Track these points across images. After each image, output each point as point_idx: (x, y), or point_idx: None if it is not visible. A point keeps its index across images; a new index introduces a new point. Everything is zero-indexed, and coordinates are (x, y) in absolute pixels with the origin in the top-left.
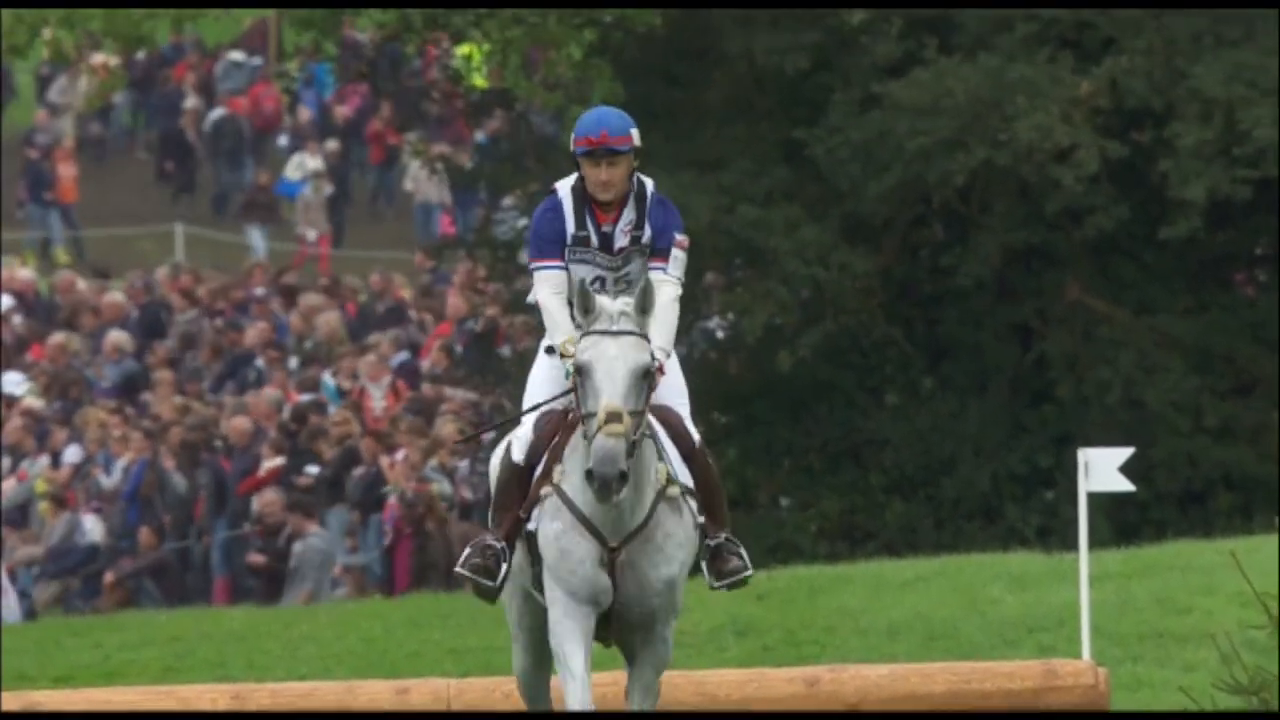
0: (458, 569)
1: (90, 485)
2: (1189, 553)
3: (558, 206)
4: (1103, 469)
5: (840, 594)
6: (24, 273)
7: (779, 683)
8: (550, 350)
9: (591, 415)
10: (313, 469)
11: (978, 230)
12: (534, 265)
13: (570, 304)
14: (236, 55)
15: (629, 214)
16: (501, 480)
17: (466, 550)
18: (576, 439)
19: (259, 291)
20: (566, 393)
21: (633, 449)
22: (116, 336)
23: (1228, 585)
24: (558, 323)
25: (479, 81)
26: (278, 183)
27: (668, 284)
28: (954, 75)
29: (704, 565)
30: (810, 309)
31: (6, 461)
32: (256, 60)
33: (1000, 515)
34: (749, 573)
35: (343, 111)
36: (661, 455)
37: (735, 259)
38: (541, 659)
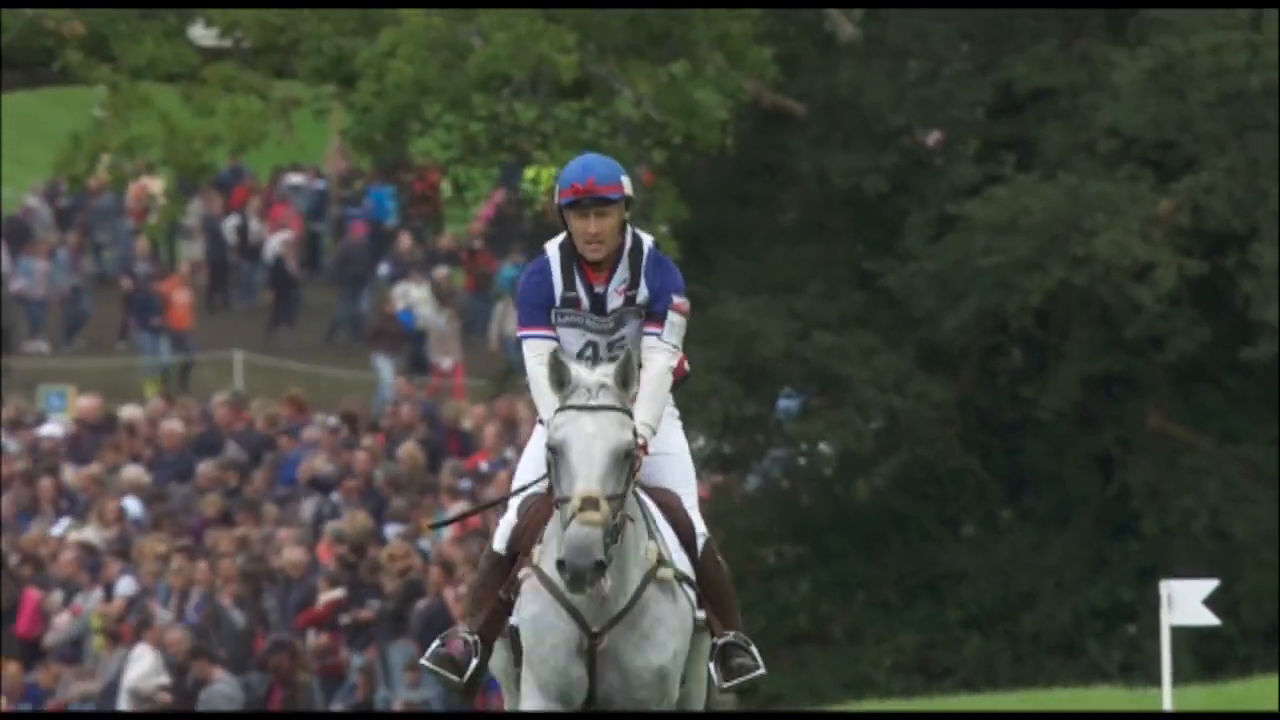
0: (423, 661)
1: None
2: (1276, 690)
3: (545, 267)
4: (1187, 602)
5: None
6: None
7: None
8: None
9: (566, 500)
10: (374, 601)
11: (1057, 358)
12: (520, 334)
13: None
14: (296, 179)
15: (623, 272)
16: (481, 570)
17: (435, 642)
18: (558, 516)
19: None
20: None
21: (613, 536)
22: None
23: None
24: (547, 396)
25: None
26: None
27: (660, 352)
28: (1032, 193)
29: (712, 666)
30: (885, 438)
31: (59, 596)
32: (320, 184)
33: (1082, 650)
34: (760, 672)
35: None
36: (653, 534)
37: (809, 386)
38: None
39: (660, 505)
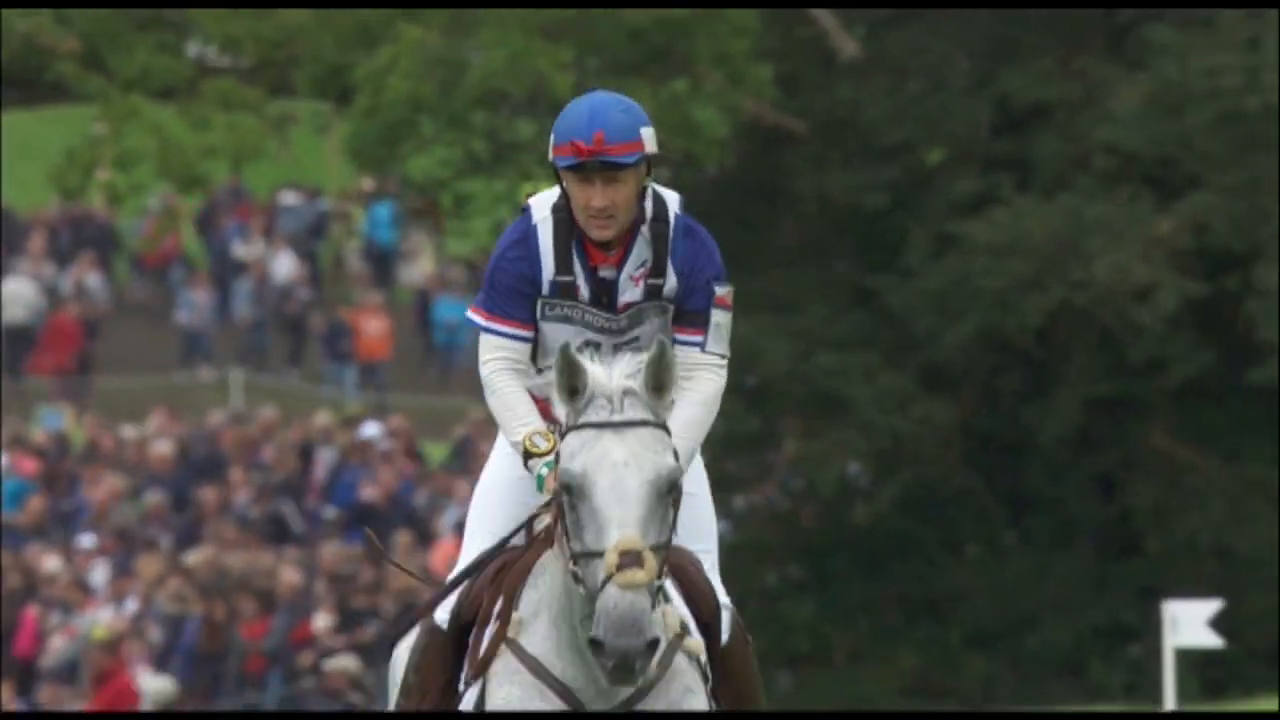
0: None
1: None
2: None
3: (529, 237)
4: (1190, 623)
5: None
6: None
7: None
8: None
9: (594, 555)
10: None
11: (1058, 381)
12: (478, 321)
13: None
14: (291, 198)
15: (640, 252)
16: (415, 652)
17: None
18: (543, 565)
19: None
20: (528, 522)
21: (656, 600)
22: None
23: None
24: (512, 408)
25: None
26: None
27: (706, 370)
28: (1032, 214)
29: None
30: (887, 460)
31: (57, 617)
32: (321, 205)
33: (1084, 671)
34: None
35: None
36: (667, 596)
37: (811, 407)
38: None
39: (672, 569)
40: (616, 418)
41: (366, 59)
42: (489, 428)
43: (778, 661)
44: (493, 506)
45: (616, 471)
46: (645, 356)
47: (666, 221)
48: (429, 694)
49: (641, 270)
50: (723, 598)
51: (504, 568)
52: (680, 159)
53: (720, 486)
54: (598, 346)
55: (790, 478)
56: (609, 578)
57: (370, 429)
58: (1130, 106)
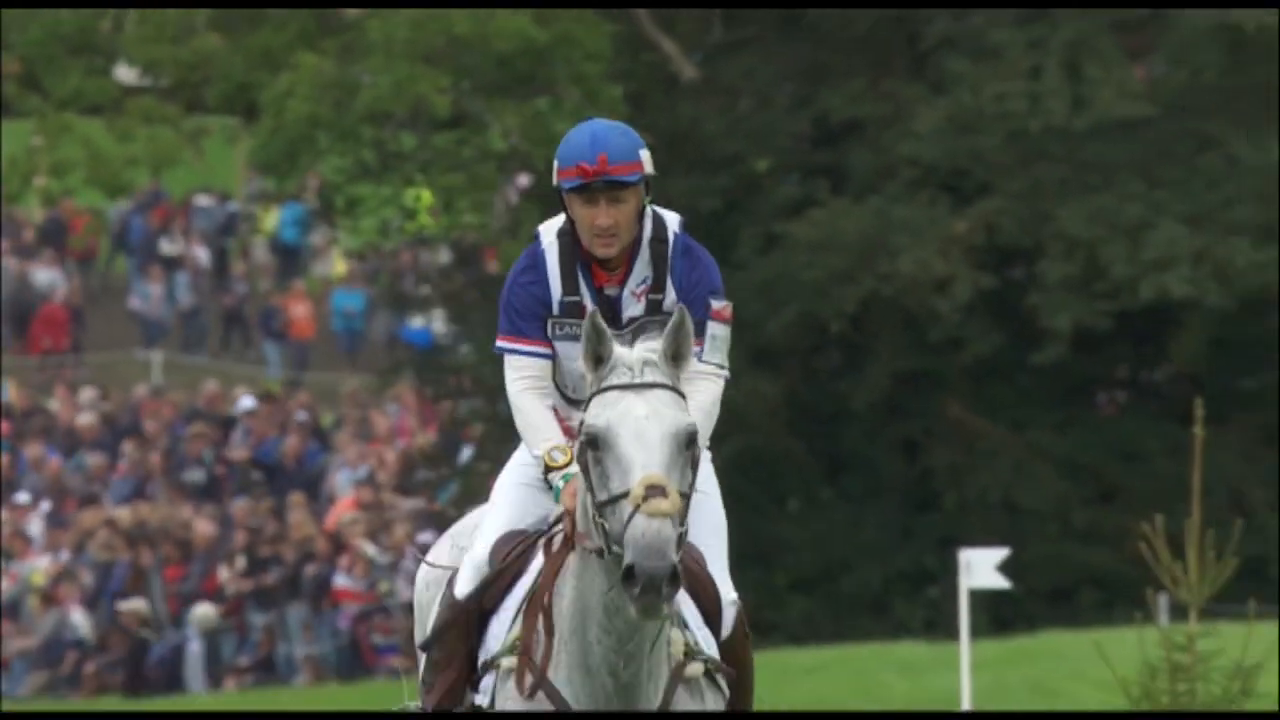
0: None
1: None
2: (1058, 643)
3: (538, 263)
4: (982, 568)
5: None
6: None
7: None
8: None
9: (620, 498)
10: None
11: (869, 359)
12: (502, 346)
13: (558, 393)
14: (205, 200)
15: (642, 270)
16: (441, 622)
17: None
18: (562, 579)
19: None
20: (552, 522)
21: (680, 542)
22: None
23: (1092, 672)
24: (535, 426)
25: (424, 219)
26: None
27: (705, 379)
28: (845, 216)
29: None
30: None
31: (6, 562)
32: (232, 206)
33: (890, 610)
34: None
35: None
36: (683, 620)
37: None
38: None
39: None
40: (638, 381)
41: (270, 82)
42: (376, 399)
43: None
44: (510, 495)
45: (639, 424)
46: (666, 329)
47: (666, 240)
48: (454, 663)
49: (643, 287)
50: (729, 593)
51: (522, 553)
52: (543, 169)
53: None
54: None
55: None
56: (635, 509)
57: (246, 401)
58: (931, 125)
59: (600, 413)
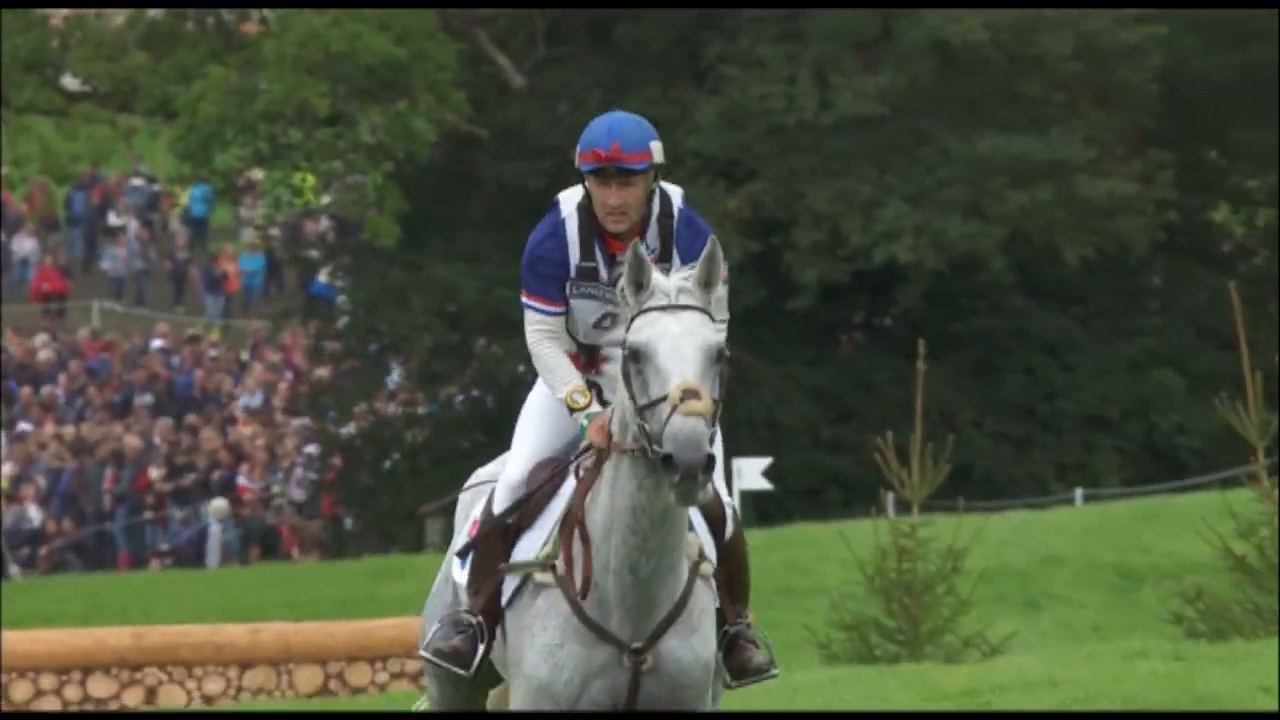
0: (423, 652)
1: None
2: (810, 532)
3: (559, 231)
4: (750, 473)
5: None
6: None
7: None
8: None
9: (659, 401)
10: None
11: None
12: (525, 302)
13: (574, 339)
14: (137, 181)
15: (650, 241)
16: (479, 537)
17: (435, 627)
18: (596, 489)
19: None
20: (579, 452)
21: (712, 440)
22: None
23: (836, 555)
24: (556, 372)
25: (309, 197)
26: None
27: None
28: None
29: (720, 657)
30: None
31: None
32: (156, 187)
33: None
34: (775, 673)
35: None
36: (691, 525)
37: (493, 327)
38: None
39: None
40: (674, 303)
41: (185, 90)
42: (272, 340)
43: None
44: (535, 425)
45: (675, 340)
46: (698, 261)
47: (672, 215)
48: (491, 566)
49: (652, 255)
50: (728, 499)
51: (552, 475)
52: (402, 157)
53: (432, 382)
54: (614, 318)
55: (478, 374)
56: (674, 409)
57: (156, 342)
58: (708, 121)
59: (641, 329)
